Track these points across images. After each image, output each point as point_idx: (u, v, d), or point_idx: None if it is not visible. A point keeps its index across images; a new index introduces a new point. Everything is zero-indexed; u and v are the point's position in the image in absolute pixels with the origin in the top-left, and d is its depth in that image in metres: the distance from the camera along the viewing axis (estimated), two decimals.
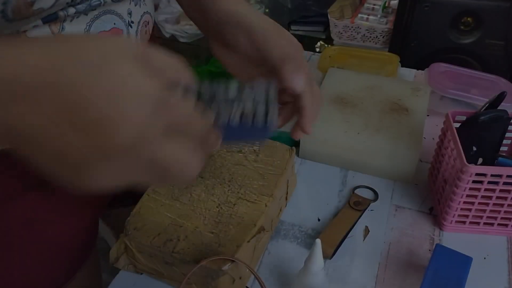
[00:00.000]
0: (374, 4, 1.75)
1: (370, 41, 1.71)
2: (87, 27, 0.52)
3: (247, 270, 0.64)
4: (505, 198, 0.68)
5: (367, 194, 0.80)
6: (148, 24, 0.64)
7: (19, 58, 0.31)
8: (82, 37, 0.39)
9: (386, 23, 1.67)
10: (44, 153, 0.33)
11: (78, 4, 0.50)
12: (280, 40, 0.55)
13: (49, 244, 0.66)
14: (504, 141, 0.74)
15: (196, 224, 0.64)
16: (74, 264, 0.72)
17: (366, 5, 1.77)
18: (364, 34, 1.70)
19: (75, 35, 0.41)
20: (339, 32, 1.74)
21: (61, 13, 0.49)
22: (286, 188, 0.74)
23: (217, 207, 0.66)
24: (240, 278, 0.62)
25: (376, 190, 0.80)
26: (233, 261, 0.59)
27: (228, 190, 0.68)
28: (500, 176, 0.66)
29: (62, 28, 0.50)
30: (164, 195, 0.68)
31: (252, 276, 0.66)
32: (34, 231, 0.64)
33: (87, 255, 0.76)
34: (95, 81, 0.31)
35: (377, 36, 1.69)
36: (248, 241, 0.62)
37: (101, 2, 0.52)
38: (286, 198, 0.76)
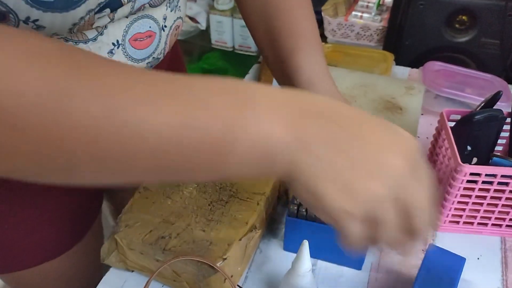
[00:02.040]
0: (369, 2, 1.74)
1: (364, 39, 1.71)
2: (126, 28, 0.57)
3: (239, 268, 0.63)
4: (499, 198, 0.68)
5: None
6: (178, 28, 0.68)
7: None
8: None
9: (381, 21, 1.66)
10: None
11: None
12: None
13: (54, 213, 0.72)
14: (499, 141, 0.73)
15: (188, 222, 0.63)
16: (80, 227, 0.78)
17: (360, 3, 1.76)
18: (358, 32, 1.70)
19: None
20: (332, 30, 1.73)
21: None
22: (279, 187, 0.73)
23: (209, 205, 0.65)
24: (232, 276, 0.62)
25: None
26: (224, 259, 0.58)
27: (220, 188, 0.68)
28: (494, 176, 0.65)
29: (105, 27, 0.54)
30: (156, 192, 0.67)
31: (244, 275, 0.66)
32: (37, 207, 0.70)
33: (92, 220, 0.81)
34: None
35: (371, 34, 1.68)
36: (240, 240, 0.61)
37: (142, 7, 0.56)
38: (278, 197, 0.75)
